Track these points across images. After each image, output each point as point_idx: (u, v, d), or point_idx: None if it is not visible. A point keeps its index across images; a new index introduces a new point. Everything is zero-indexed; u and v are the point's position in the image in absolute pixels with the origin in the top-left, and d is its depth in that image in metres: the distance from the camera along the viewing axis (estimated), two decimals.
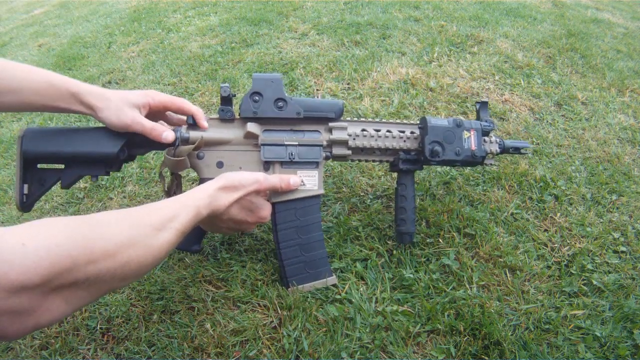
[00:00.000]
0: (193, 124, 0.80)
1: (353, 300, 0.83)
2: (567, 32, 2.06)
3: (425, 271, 0.88)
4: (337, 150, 0.86)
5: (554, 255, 0.94)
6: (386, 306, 0.81)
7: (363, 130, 0.87)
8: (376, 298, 0.83)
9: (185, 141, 0.79)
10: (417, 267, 0.90)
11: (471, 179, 1.13)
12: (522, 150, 0.95)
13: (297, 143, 0.82)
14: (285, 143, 0.82)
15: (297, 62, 1.69)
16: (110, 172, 0.80)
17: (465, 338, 0.77)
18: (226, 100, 0.81)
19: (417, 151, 0.88)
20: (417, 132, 0.88)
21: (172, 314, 0.83)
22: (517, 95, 1.51)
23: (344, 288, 0.85)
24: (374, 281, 0.86)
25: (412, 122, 0.91)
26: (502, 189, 1.10)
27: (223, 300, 0.84)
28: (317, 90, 1.51)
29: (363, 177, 1.14)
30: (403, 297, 0.84)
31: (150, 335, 0.79)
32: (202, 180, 0.80)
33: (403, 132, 0.88)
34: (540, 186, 1.11)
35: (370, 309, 0.81)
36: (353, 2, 2.30)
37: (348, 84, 1.54)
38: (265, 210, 0.77)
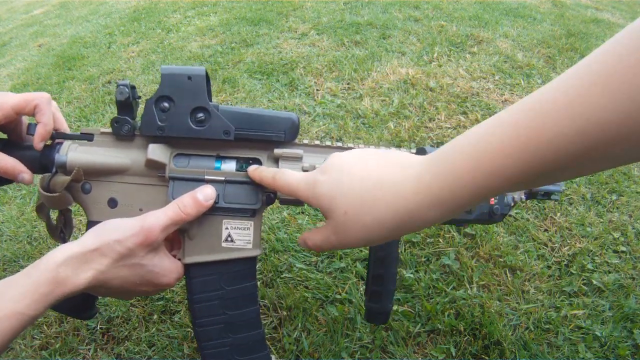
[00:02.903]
0: (80, 137, 0.57)
1: (353, 300, 0.83)
2: (567, 32, 2.06)
3: (425, 271, 0.88)
4: None
5: (554, 255, 0.94)
6: None
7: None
8: None
9: (63, 167, 0.55)
10: (417, 267, 0.90)
11: None
12: (552, 196, 0.68)
13: (223, 178, 0.56)
14: (206, 177, 0.56)
15: (297, 62, 1.69)
16: None
17: (466, 338, 0.77)
18: (125, 107, 0.56)
19: None
20: None
21: (172, 314, 0.83)
22: (517, 95, 1.51)
23: (344, 288, 0.85)
24: None
25: (403, 148, 0.64)
26: None
27: None
28: (317, 90, 1.51)
29: None
30: (403, 297, 0.84)
31: (150, 335, 0.79)
32: (90, 224, 0.56)
33: None
34: None
35: None
36: (353, 2, 2.30)
37: (348, 84, 1.54)
38: (167, 276, 0.53)
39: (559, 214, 1.04)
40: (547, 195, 0.68)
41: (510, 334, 0.77)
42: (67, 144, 0.56)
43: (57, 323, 0.83)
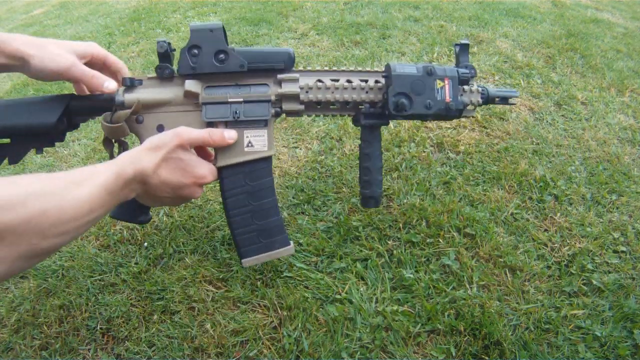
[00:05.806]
0: (130, 86, 0.75)
1: (353, 300, 0.83)
2: (566, 32, 2.06)
3: (425, 271, 0.88)
4: (287, 106, 0.78)
5: (554, 255, 0.94)
6: (386, 306, 0.81)
7: (318, 81, 0.79)
8: (376, 298, 0.83)
9: (121, 105, 0.74)
10: (417, 267, 0.90)
11: (471, 179, 1.13)
12: (510, 100, 0.84)
13: (241, 99, 0.75)
14: (229, 100, 0.75)
15: (297, 62, 1.69)
16: (55, 143, 0.77)
17: (466, 338, 0.77)
18: (164, 57, 0.77)
19: (383, 103, 0.80)
20: (383, 81, 0.79)
21: (172, 314, 0.83)
22: None
23: (344, 288, 0.85)
24: (374, 281, 0.87)
25: (377, 69, 0.82)
26: (502, 189, 1.10)
27: (223, 301, 0.84)
28: None
29: None
30: (403, 297, 0.84)
31: (150, 335, 0.79)
32: None
33: (366, 81, 0.80)
34: (540, 186, 1.11)
35: (370, 309, 0.81)
36: (353, 2, 2.30)
37: None
38: (202, 168, 0.70)
39: (559, 214, 1.04)
40: (505, 100, 0.84)
41: (510, 334, 0.77)
42: (121, 89, 0.75)
43: (57, 323, 0.83)
